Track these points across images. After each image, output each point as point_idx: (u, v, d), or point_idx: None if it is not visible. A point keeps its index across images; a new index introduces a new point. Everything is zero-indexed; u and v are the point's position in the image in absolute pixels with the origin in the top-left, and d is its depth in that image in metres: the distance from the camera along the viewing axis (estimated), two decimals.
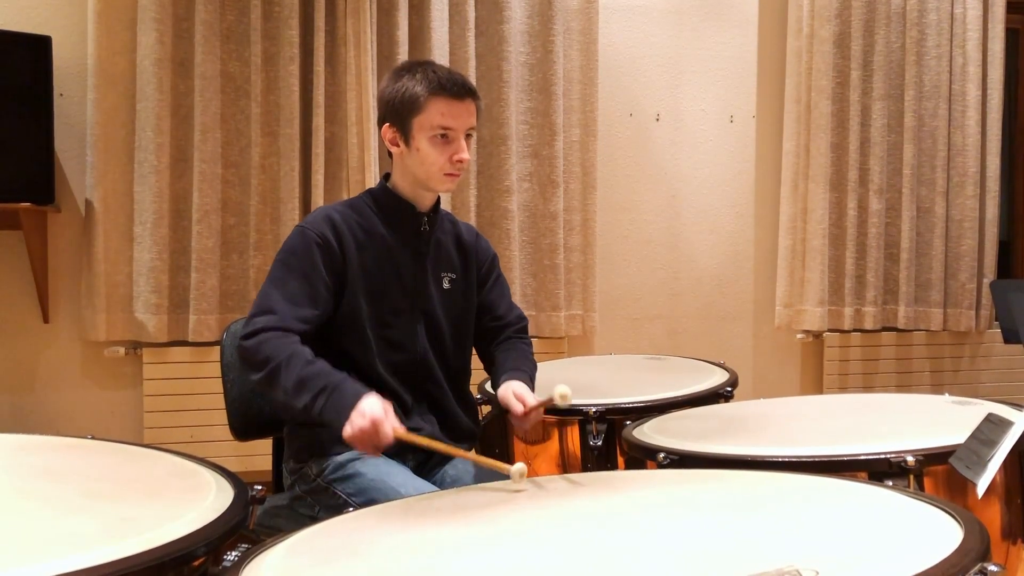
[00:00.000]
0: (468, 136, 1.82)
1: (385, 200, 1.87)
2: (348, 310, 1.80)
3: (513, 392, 1.80)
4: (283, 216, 3.35)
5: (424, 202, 1.88)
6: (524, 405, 1.77)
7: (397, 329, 1.85)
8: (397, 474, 1.75)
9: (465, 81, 1.81)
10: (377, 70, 3.45)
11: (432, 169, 1.80)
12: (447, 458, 1.92)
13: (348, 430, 1.56)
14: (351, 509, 1.46)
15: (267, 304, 1.72)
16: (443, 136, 1.78)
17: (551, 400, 1.69)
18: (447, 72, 1.80)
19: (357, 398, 1.59)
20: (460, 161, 1.79)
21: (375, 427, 1.55)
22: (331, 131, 3.43)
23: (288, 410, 1.67)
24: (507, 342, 2.02)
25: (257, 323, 1.69)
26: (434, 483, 1.85)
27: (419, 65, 1.82)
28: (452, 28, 3.57)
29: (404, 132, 1.80)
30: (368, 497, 1.69)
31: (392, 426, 1.56)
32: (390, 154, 1.87)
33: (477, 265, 1.99)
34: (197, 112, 3.28)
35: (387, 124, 1.82)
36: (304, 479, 1.82)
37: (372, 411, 1.56)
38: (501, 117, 3.62)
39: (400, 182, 1.87)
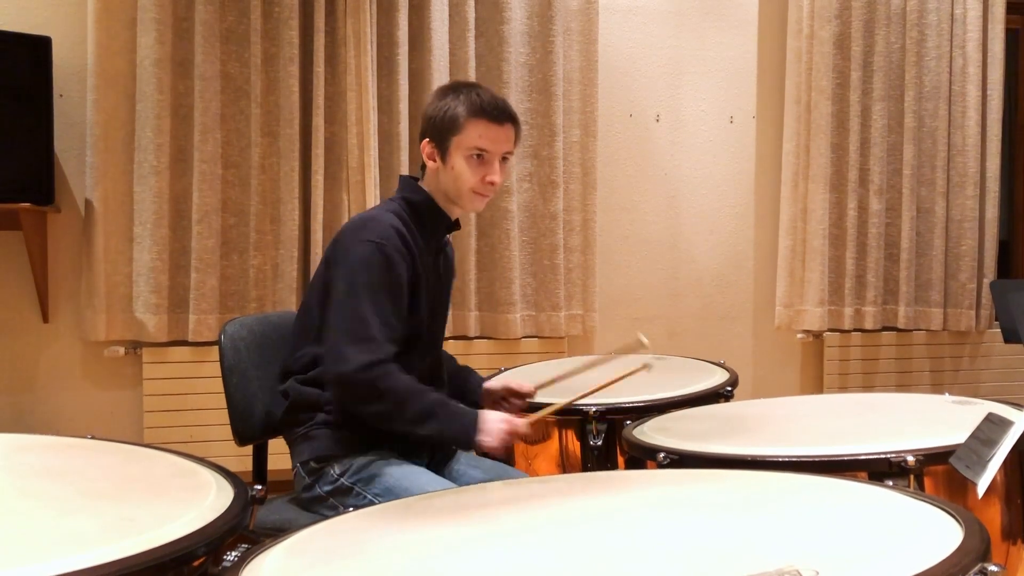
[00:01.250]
0: (504, 160, 1.88)
1: (425, 209, 1.91)
2: (413, 320, 1.86)
3: (504, 384, 2.11)
4: (283, 216, 3.36)
5: (453, 213, 1.95)
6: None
7: (431, 331, 1.96)
8: (419, 473, 1.81)
9: (507, 106, 1.87)
10: (377, 70, 3.45)
11: (464, 187, 1.86)
12: (453, 453, 2.01)
13: (490, 441, 1.74)
14: None
15: (366, 331, 1.74)
16: (479, 156, 1.84)
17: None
18: (490, 96, 1.86)
19: (473, 418, 1.76)
20: (492, 183, 1.85)
21: (512, 426, 1.76)
22: (331, 131, 3.43)
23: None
24: None
25: (365, 356, 1.72)
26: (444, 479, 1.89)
27: (464, 86, 1.89)
28: (452, 28, 3.57)
29: (442, 149, 1.87)
30: (394, 496, 1.72)
31: (520, 422, 1.78)
32: (423, 167, 1.93)
33: (452, 271, 2.10)
34: (197, 112, 3.28)
35: (427, 139, 1.88)
36: (326, 479, 1.84)
37: (496, 422, 1.76)
38: None
39: (432, 194, 1.92)
